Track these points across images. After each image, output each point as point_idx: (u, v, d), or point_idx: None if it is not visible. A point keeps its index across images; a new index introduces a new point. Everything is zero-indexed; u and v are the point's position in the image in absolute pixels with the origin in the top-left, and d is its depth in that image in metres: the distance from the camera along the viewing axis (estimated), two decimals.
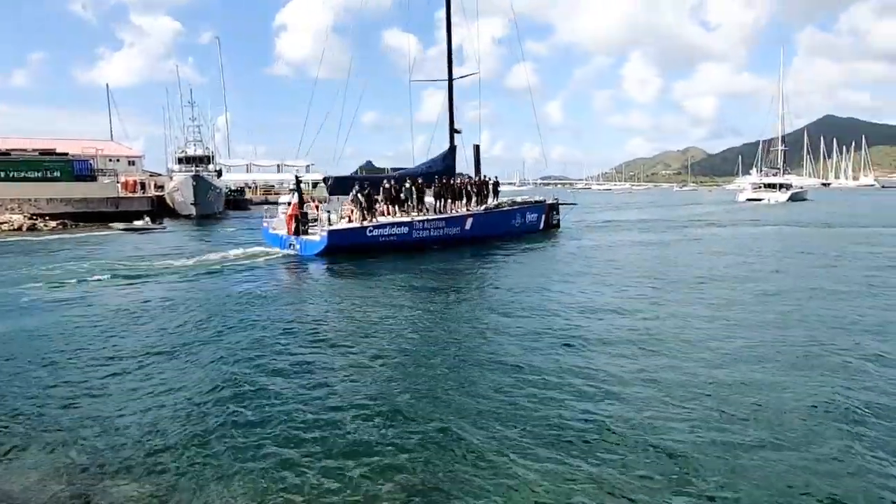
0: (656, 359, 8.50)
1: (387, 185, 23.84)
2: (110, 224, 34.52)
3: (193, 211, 41.91)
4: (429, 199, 25.08)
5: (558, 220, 32.04)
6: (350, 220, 22.24)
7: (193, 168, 45.58)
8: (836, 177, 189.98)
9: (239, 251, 21.42)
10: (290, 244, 21.52)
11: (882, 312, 11.21)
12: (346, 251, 20.40)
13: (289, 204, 22.95)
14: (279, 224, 22.89)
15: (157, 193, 45.80)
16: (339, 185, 24.17)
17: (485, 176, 29.01)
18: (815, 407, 6.70)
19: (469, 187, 26.76)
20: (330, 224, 21.62)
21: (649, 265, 18.40)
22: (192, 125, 50.67)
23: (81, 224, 36.03)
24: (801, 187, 79.03)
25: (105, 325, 10.85)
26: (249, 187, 75.19)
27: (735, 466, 5.38)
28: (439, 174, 26.04)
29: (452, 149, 28.44)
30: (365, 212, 21.97)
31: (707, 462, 5.45)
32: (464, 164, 29.18)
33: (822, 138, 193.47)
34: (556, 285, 14.75)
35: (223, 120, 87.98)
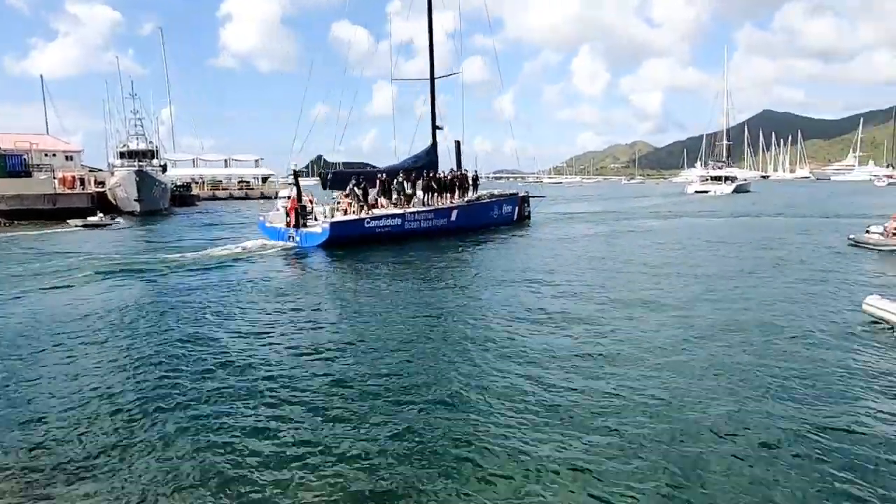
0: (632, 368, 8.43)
1: (381, 179, 25.46)
2: (67, 220, 33.27)
3: (137, 207, 40.18)
4: (417, 191, 26.48)
5: (529, 211, 33.31)
6: (346, 213, 23.31)
7: (136, 163, 43.69)
8: (775, 169, 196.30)
9: (237, 245, 21.85)
10: (290, 236, 22.19)
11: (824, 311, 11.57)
12: (345, 242, 21.32)
13: (288, 198, 23.77)
14: (275, 217, 23.64)
15: (97, 190, 43.66)
16: (337, 180, 25.60)
17: (464, 170, 30.17)
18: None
19: (454, 181, 28.31)
20: (325, 217, 22.66)
21: (614, 259, 18.75)
22: (134, 118, 48.86)
23: (17, 222, 34.13)
24: (745, 179, 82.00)
25: (130, 319, 11.00)
26: (196, 182, 72.91)
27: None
28: (425, 168, 27.79)
29: (434, 145, 29.85)
30: (363, 205, 23.39)
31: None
32: (445, 159, 30.56)
33: (760, 132, 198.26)
34: (525, 281, 14.89)
35: (167, 113, 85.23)
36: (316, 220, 22.72)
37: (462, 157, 30.31)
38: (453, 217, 26.42)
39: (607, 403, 6.62)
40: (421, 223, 24.76)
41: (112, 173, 44.67)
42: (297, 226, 22.08)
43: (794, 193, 72.33)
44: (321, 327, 10.36)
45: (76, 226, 31.95)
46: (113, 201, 41.84)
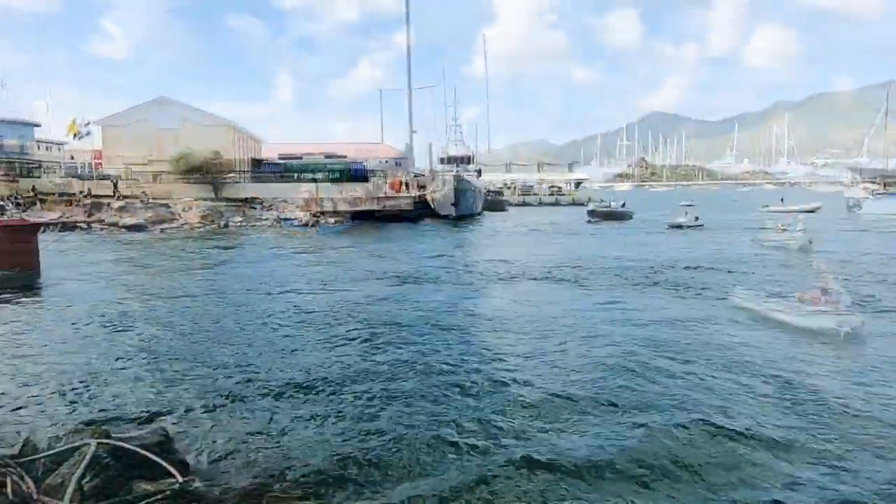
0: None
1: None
2: None
3: (453, 212, 40.12)
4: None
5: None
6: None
7: (455, 168, 44.48)
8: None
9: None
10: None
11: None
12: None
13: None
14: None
15: (418, 193, 43.01)
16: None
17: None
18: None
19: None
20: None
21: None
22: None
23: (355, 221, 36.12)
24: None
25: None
26: (509, 188, 74.04)
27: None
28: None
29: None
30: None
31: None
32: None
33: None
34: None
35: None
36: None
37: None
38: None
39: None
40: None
41: (433, 178, 46.34)
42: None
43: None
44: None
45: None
46: (431, 205, 42.06)
